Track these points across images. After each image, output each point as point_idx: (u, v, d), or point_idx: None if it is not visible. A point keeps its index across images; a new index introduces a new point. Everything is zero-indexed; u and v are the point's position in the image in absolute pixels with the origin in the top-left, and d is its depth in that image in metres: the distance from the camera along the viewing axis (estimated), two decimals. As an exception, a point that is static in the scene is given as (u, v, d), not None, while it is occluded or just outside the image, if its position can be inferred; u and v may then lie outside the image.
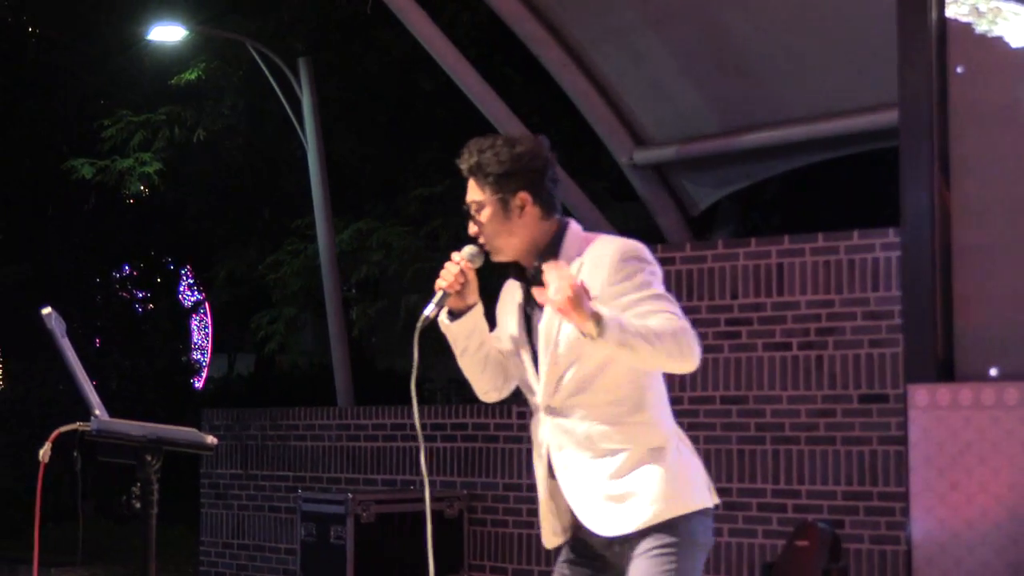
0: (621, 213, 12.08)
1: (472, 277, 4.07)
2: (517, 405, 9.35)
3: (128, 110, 15.43)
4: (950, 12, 7.00)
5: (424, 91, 15.37)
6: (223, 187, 17.19)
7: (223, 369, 26.00)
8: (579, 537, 4.11)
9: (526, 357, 4.07)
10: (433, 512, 9.39)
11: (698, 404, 8.44)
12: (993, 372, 6.80)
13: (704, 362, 8.36)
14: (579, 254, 3.99)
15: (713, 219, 12.30)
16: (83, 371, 3.58)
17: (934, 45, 7.01)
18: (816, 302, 8.16)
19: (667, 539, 3.92)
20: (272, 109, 14.67)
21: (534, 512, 9.31)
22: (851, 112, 9.46)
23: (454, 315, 4.10)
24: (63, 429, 3.57)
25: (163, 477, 3.53)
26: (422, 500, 9.51)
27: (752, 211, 14.93)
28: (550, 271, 3.70)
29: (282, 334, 15.67)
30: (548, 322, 3.96)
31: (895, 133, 7.36)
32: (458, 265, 4.04)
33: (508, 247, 4.05)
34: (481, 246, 4.06)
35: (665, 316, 3.80)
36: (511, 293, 4.17)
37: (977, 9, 6.97)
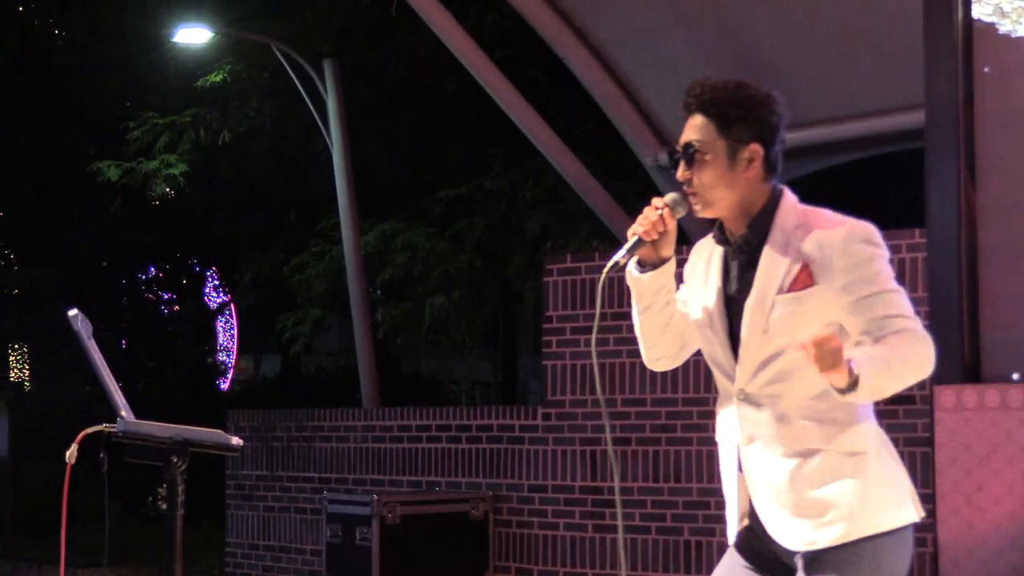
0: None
1: (672, 227, 3.65)
2: (542, 407, 9.36)
3: (154, 112, 15.48)
4: (975, 12, 6.98)
5: (449, 93, 15.39)
6: (249, 189, 17.24)
7: (249, 370, 26.07)
8: (754, 529, 3.79)
9: (721, 332, 3.68)
10: (458, 513, 9.45)
11: (723, 405, 8.42)
12: (1019, 375, 6.77)
13: (729, 363, 8.38)
14: (797, 226, 3.60)
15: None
16: (109, 372, 3.59)
17: (960, 46, 6.99)
18: (842, 303, 8.14)
19: (848, 558, 3.60)
20: (297, 111, 14.70)
21: (559, 513, 9.32)
22: (876, 113, 9.43)
23: (644, 266, 3.71)
24: (90, 430, 3.59)
25: (189, 478, 3.54)
26: (447, 502, 9.56)
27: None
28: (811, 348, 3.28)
29: (307, 336, 15.70)
30: (758, 298, 3.58)
31: (920, 134, 7.34)
32: (658, 211, 3.62)
33: (722, 202, 3.63)
34: (686, 195, 3.65)
35: (906, 325, 3.48)
36: (706, 256, 3.78)
37: (1001, 9, 6.95)
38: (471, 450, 9.96)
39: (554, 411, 9.25)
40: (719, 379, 3.74)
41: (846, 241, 3.54)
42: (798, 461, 3.58)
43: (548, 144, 10.66)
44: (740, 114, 3.58)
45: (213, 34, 14.63)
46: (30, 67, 18.53)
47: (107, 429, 3.56)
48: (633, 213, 11.52)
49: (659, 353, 3.86)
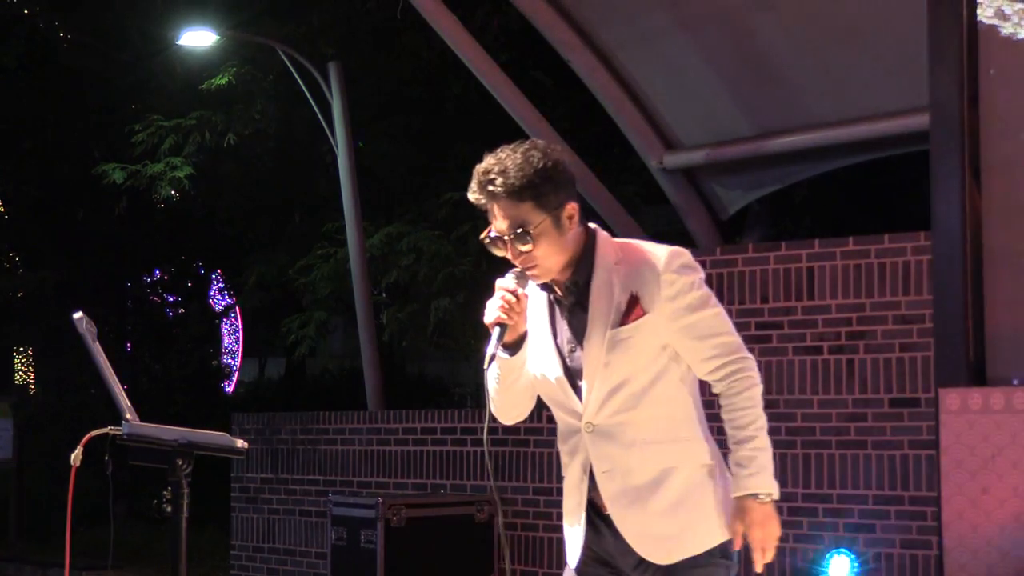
0: (651, 217, 12.07)
1: (525, 304, 3.79)
2: (547, 410, 9.35)
3: (159, 115, 15.48)
4: (979, 15, 6.98)
5: (454, 95, 15.38)
6: (253, 192, 17.23)
7: (253, 373, 26.08)
8: (596, 552, 3.88)
9: (559, 374, 3.82)
10: (463, 516, 9.44)
11: (728, 408, 8.41)
12: (1019, 379, 6.77)
13: (734, 366, 8.38)
14: (617, 261, 3.76)
15: (743, 223, 12.28)
16: (114, 375, 3.59)
17: (965, 48, 6.99)
18: (847, 306, 8.14)
19: (718, 562, 3.80)
20: (302, 114, 14.70)
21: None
22: (882, 116, 9.42)
23: (508, 347, 3.81)
24: (94, 433, 3.59)
25: (194, 481, 3.54)
26: (452, 504, 9.56)
27: (782, 215, 14.89)
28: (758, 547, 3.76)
29: (312, 338, 15.69)
30: (595, 335, 3.73)
31: (926, 136, 7.34)
32: (513, 295, 3.74)
33: (558, 265, 3.77)
34: (523, 271, 3.77)
35: (730, 344, 3.80)
36: (536, 305, 3.89)
37: (1003, 12, 6.95)
38: (476, 453, 9.96)
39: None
40: (561, 418, 3.89)
41: (666, 270, 3.71)
42: (659, 480, 3.76)
43: (553, 147, 10.65)
44: (549, 188, 3.68)
45: (218, 37, 14.64)
46: (35, 69, 18.54)
47: (112, 432, 3.56)
48: (638, 216, 11.57)
49: (518, 411, 4.00)
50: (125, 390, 3.61)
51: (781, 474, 8.22)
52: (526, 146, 3.76)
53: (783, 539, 8.48)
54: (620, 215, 10.87)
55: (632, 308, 3.71)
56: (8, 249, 21.27)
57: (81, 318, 3.61)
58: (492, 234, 3.78)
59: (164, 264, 22.11)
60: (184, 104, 15.78)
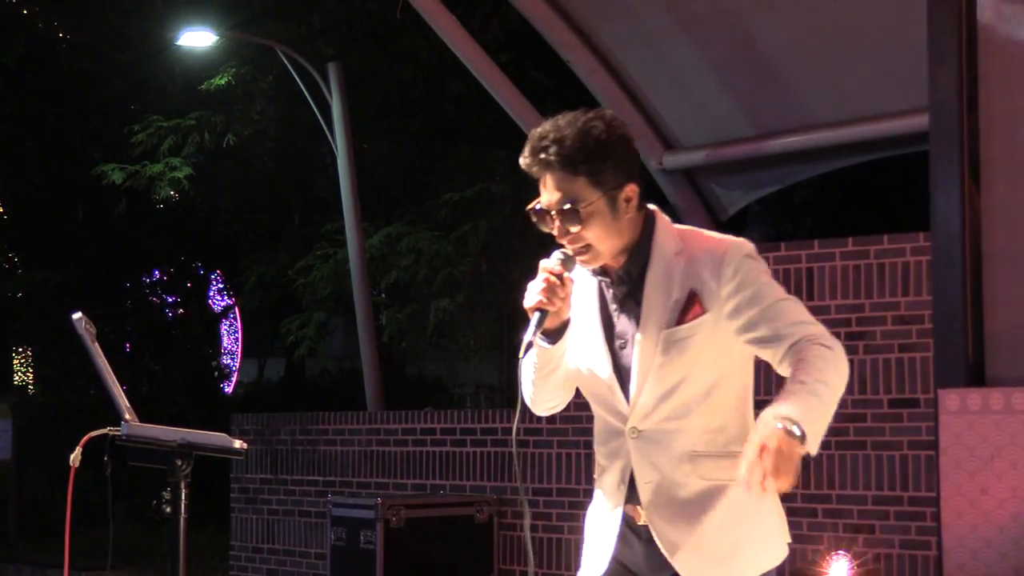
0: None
1: (570, 288, 3.42)
2: (546, 410, 9.36)
3: (158, 115, 15.49)
4: (979, 15, 6.98)
5: (454, 96, 15.39)
6: (253, 192, 17.24)
7: (253, 374, 26.09)
8: (623, 564, 3.54)
9: (608, 370, 3.50)
10: (462, 517, 9.44)
11: (728, 409, 8.42)
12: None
13: (734, 367, 8.38)
14: (677, 252, 3.43)
15: (743, 223, 12.28)
16: (113, 376, 3.59)
17: (964, 49, 6.99)
18: (846, 306, 8.14)
19: None
20: (302, 114, 14.72)
21: (563, 517, 9.30)
22: (881, 116, 9.42)
23: (548, 335, 3.46)
24: (94, 434, 3.59)
25: (193, 481, 3.54)
26: (452, 505, 9.56)
27: (782, 215, 14.91)
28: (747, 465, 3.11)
29: (312, 339, 15.71)
30: (649, 333, 3.42)
31: (925, 137, 7.34)
32: (556, 277, 3.38)
33: (611, 251, 3.43)
34: (572, 255, 3.43)
35: (812, 332, 3.34)
36: (584, 291, 3.56)
37: (1002, 13, 6.95)
38: (475, 453, 9.96)
39: (559, 414, 9.24)
40: (602, 417, 3.58)
41: (729, 263, 3.38)
42: (704, 497, 3.43)
43: (552, 147, 10.65)
44: (609, 164, 3.35)
45: (218, 37, 14.64)
46: (35, 70, 18.55)
47: (111, 432, 3.56)
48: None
49: (555, 402, 3.73)
50: (124, 391, 3.61)
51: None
52: (589, 115, 3.40)
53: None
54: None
55: (691, 305, 3.39)
56: (8, 249, 21.28)
57: (80, 319, 3.61)
58: (539, 206, 3.44)
59: (163, 265, 22.12)
60: (183, 104, 15.79)
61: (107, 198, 17.52)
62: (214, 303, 25.02)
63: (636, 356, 3.43)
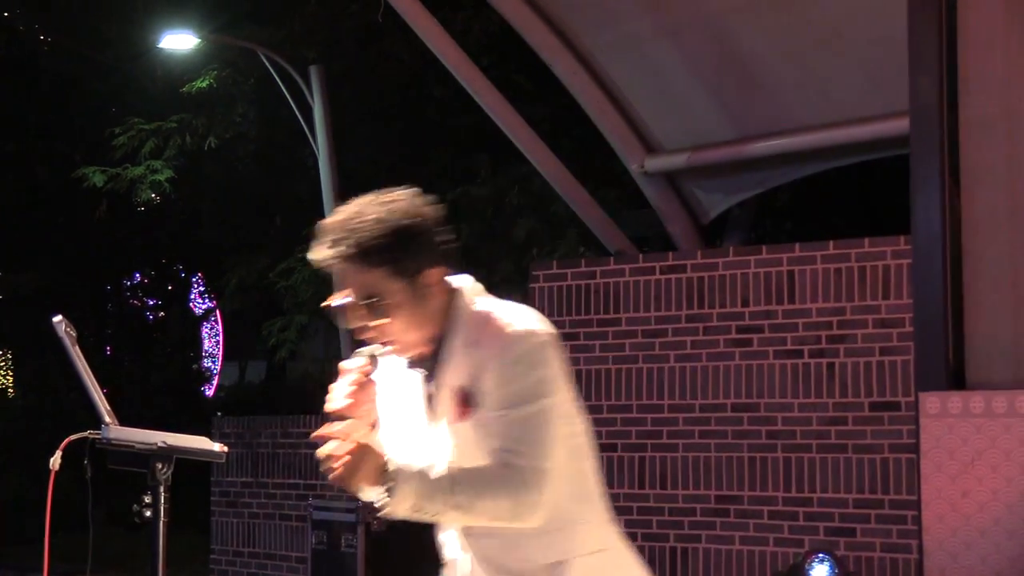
0: (633, 221, 12.08)
1: (372, 391, 3.18)
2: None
3: (139, 118, 15.46)
4: (959, 19, 7.00)
5: (436, 99, 15.39)
6: (234, 195, 17.21)
7: (234, 377, 26.02)
8: None
9: None
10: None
11: (709, 412, 8.43)
12: (1004, 380, 6.79)
13: (715, 370, 8.40)
14: (468, 343, 3.15)
15: (724, 227, 12.30)
16: (94, 379, 3.58)
17: (945, 53, 7.01)
18: (827, 310, 8.15)
19: None
20: (284, 117, 14.69)
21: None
22: (862, 120, 9.45)
23: None
24: (73, 437, 3.57)
25: (174, 485, 3.53)
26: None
27: (763, 219, 14.92)
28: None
29: (293, 342, 15.68)
30: (445, 427, 3.20)
31: (906, 141, 7.36)
32: (355, 384, 3.12)
33: (419, 340, 3.18)
34: (374, 349, 3.18)
35: (508, 460, 3.05)
36: (402, 376, 3.32)
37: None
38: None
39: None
40: None
41: (499, 360, 3.10)
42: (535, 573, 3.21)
43: (534, 151, 10.67)
44: (408, 252, 3.11)
45: (199, 40, 14.61)
46: (16, 72, 18.50)
47: (91, 436, 3.55)
48: (620, 220, 11.54)
49: None
50: (105, 394, 3.59)
51: (762, 477, 8.24)
52: (386, 199, 3.16)
53: (763, 542, 8.50)
54: (602, 220, 10.88)
55: (465, 403, 3.14)
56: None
57: (60, 321, 3.60)
58: (339, 301, 3.15)
59: (144, 267, 22.07)
60: (165, 107, 15.76)
61: (88, 201, 17.47)
62: (195, 306, 24.97)
63: (453, 446, 3.20)
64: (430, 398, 3.23)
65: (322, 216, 13.48)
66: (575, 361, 9.07)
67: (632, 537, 9.07)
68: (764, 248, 8.65)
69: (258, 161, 16.53)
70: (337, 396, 3.11)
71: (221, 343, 27.16)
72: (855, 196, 15.19)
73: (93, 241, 19.43)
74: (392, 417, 3.32)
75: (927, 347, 7.05)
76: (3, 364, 23.75)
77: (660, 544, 8.61)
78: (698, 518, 8.45)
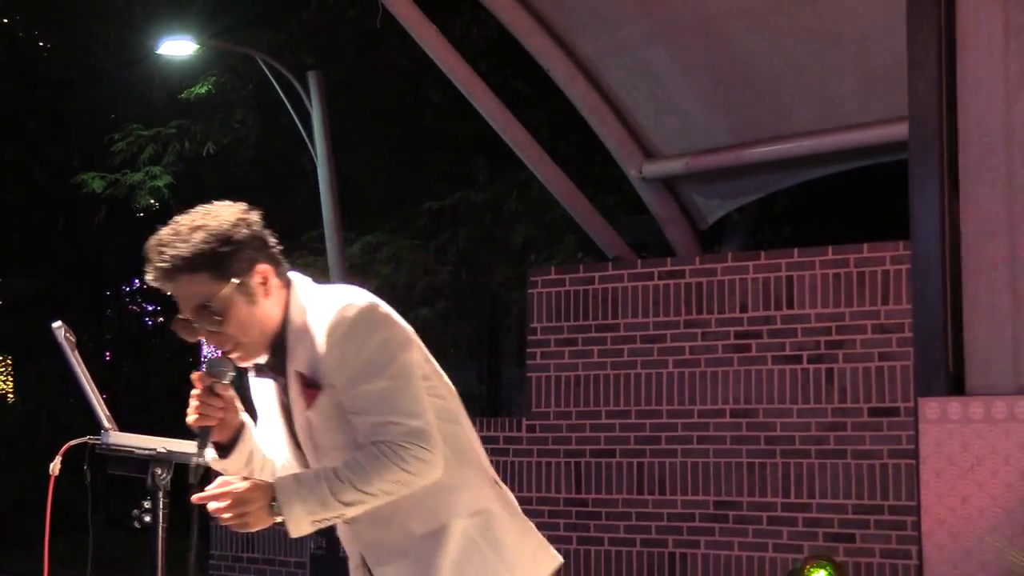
0: (631, 227, 12.08)
1: (230, 395, 3.24)
2: (526, 418, 9.35)
3: (138, 124, 15.47)
4: (958, 22, 7.00)
5: (434, 104, 15.40)
6: (233, 200, 17.21)
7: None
8: None
9: (299, 461, 3.35)
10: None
11: (708, 417, 8.43)
12: (1004, 385, 6.78)
13: (714, 375, 8.40)
14: (302, 333, 3.19)
15: (723, 232, 12.30)
16: (93, 384, 3.58)
17: (943, 57, 7.00)
18: (826, 315, 8.15)
19: None
20: (282, 123, 14.70)
21: (544, 526, 9.29)
22: (861, 125, 9.45)
23: (223, 448, 3.28)
24: (73, 442, 3.58)
25: (173, 490, 3.53)
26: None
27: (762, 224, 14.92)
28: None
29: (292, 347, 15.67)
30: (300, 422, 3.27)
31: (905, 146, 7.36)
32: (210, 392, 3.20)
33: (263, 339, 3.21)
34: (224, 354, 3.23)
35: (395, 435, 3.08)
36: (264, 390, 3.40)
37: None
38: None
39: (538, 423, 9.24)
40: None
41: (327, 340, 3.13)
42: (430, 544, 3.24)
43: (533, 156, 10.67)
44: (227, 252, 3.15)
45: (198, 46, 14.62)
46: (13, 77, 18.50)
47: (91, 441, 3.55)
48: (619, 226, 11.56)
49: None
50: (104, 399, 3.60)
51: (760, 483, 8.24)
52: (199, 212, 3.25)
53: (762, 548, 8.50)
54: (600, 225, 10.88)
55: (311, 387, 3.18)
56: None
57: (60, 327, 3.60)
58: (180, 317, 3.22)
59: (143, 273, 22.05)
60: (163, 113, 15.77)
61: (87, 206, 17.47)
62: (194, 311, 24.94)
63: (303, 445, 3.29)
64: (284, 397, 3.28)
65: (321, 222, 13.39)
66: (573, 367, 9.07)
67: (631, 543, 9.08)
68: (763, 253, 8.66)
69: (256, 167, 16.54)
70: (196, 409, 3.20)
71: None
72: (854, 201, 15.19)
73: (92, 247, 19.43)
74: (268, 418, 3.38)
75: (926, 352, 7.04)
76: (3, 370, 23.73)
77: (659, 550, 8.60)
78: (697, 523, 8.44)
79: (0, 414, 17.74)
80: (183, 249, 3.15)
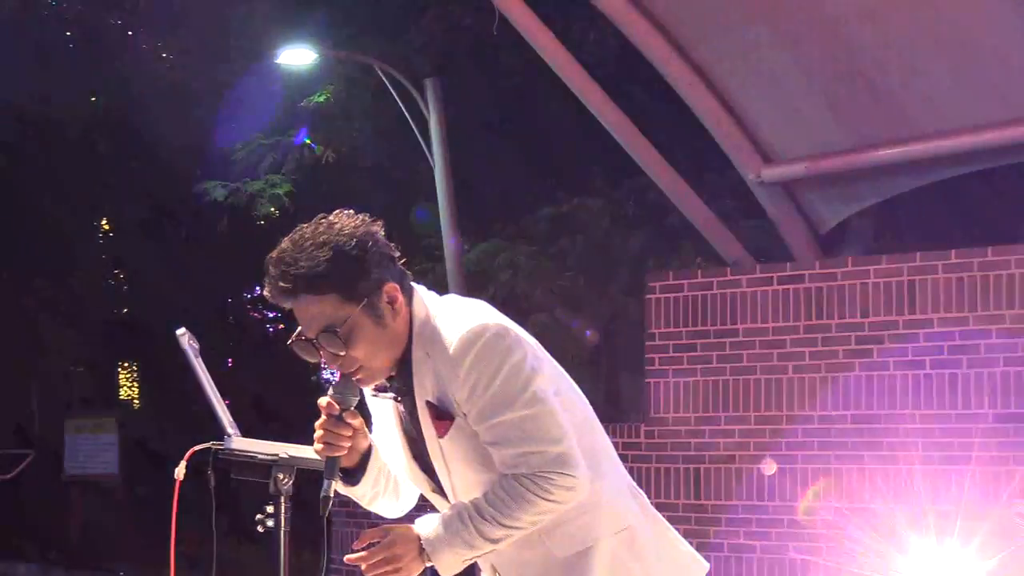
0: (749, 232, 11.99)
1: (358, 422, 3.14)
2: (645, 424, 9.33)
3: (259, 133, 15.66)
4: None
5: (550, 111, 15.41)
6: (352, 208, 17.35)
7: (353, 388, 26.22)
8: None
9: (422, 479, 3.26)
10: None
11: (829, 423, 8.35)
12: None
13: (835, 381, 8.32)
14: (426, 355, 3.07)
15: (843, 236, 12.17)
16: (216, 390, 3.63)
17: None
18: (949, 320, 8.05)
19: None
20: (400, 130, 14.80)
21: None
22: (983, 127, 9.31)
23: (349, 473, 3.20)
24: (198, 448, 3.63)
25: (296, 496, 3.56)
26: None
27: (883, 228, 14.75)
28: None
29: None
30: (430, 446, 3.16)
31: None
32: (338, 420, 3.10)
33: (388, 363, 3.09)
34: (347, 378, 3.11)
35: (539, 464, 2.98)
36: (381, 408, 3.30)
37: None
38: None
39: (657, 428, 9.22)
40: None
41: (463, 358, 3.01)
42: (578, 568, 3.11)
43: (650, 162, 10.64)
44: (354, 272, 3.01)
45: (317, 55, 14.77)
46: (139, 88, 18.81)
47: (214, 446, 3.60)
48: (736, 230, 11.50)
49: (400, 512, 3.46)
50: (227, 405, 3.65)
51: (884, 490, 8.13)
52: (323, 222, 3.11)
53: (883, 553, 8.38)
54: (718, 230, 10.82)
55: (442, 417, 3.08)
56: (113, 266, 21.59)
57: (184, 334, 3.66)
58: (300, 337, 3.10)
59: (264, 281, 22.28)
60: (283, 122, 15.95)
61: (209, 215, 17.71)
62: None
63: (436, 466, 3.18)
64: (407, 419, 3.18)
65: (439, 229, 13.50)
66: (692, 372, 9.04)
67: (751, 549, 9.01)
68: (884, 258, 8.56)
69: (374, 174, 16.67)
70: (323, 437, 3.11)
71: (341, 354, 27.37)
72: (977, 204, 14.96)
73: (214, 255, 19.70)
74: (383, 433, 3.29)
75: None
76: (129, 376, 24.13)
77: (779, 556, 8.54)
78: (818, 530, 8.37)
79: (127, 420, 18.04)
80: (307, 268, 3.00)
